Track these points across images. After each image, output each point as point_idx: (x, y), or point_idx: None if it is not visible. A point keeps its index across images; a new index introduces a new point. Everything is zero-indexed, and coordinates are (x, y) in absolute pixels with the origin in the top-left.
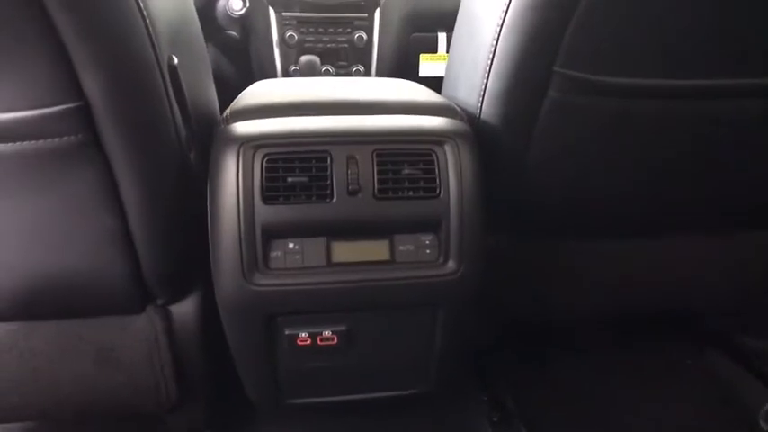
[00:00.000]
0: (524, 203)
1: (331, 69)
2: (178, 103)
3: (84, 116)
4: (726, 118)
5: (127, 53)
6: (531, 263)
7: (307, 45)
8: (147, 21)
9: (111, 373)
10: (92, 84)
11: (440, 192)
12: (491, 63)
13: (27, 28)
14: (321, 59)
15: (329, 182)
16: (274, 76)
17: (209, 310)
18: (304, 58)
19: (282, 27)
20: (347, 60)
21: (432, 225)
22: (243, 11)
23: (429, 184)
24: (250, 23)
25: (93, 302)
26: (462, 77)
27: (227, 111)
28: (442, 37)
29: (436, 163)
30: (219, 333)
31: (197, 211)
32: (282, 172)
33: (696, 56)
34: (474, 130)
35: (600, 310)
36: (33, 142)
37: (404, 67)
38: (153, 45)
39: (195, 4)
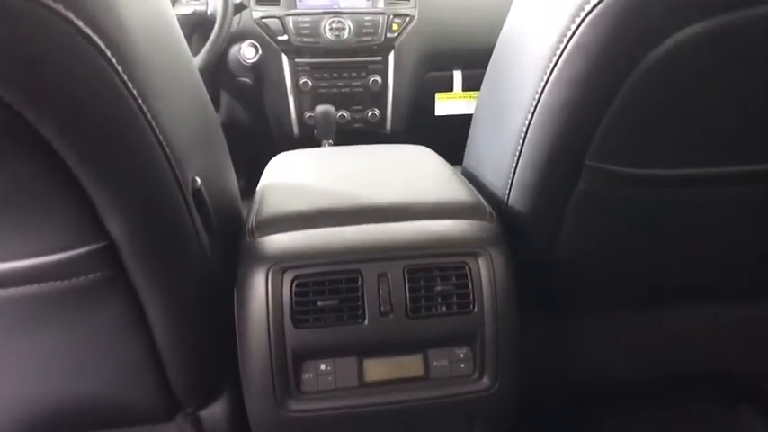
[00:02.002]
0: (551, 285)
1: (346, 115)
2: (202, 219)
3: (109, 254)
4: (757, 200)
5: (150, 193)
6: (557, 337)
7: (321, 91)
8: (168, 151)
9: None
10: (116, 225)
11: (474, 307)
12: (519, 154)
13: (49, 180)
14: (336, 105)
15: (360, 303)
16: (289, 123)
17: (239, 412)
18: (319, 109)
19: (296, 74)
20: (362, 104)
21: (466, 339)
22: (255, 58)
23: (463, 299)
24: (263, 71)
25: (122, 416)
26: (488, 160)
27: (252, 221)
28: (457, 75)
29: (469, 276)
30: None
31: (223, 320)
32: (312, 295)
33: (730, 145)
34: (501, 215)
35: (629, 379)
36: (58, 282)
37: (420, 108)
38: (176, 177)
39: None
